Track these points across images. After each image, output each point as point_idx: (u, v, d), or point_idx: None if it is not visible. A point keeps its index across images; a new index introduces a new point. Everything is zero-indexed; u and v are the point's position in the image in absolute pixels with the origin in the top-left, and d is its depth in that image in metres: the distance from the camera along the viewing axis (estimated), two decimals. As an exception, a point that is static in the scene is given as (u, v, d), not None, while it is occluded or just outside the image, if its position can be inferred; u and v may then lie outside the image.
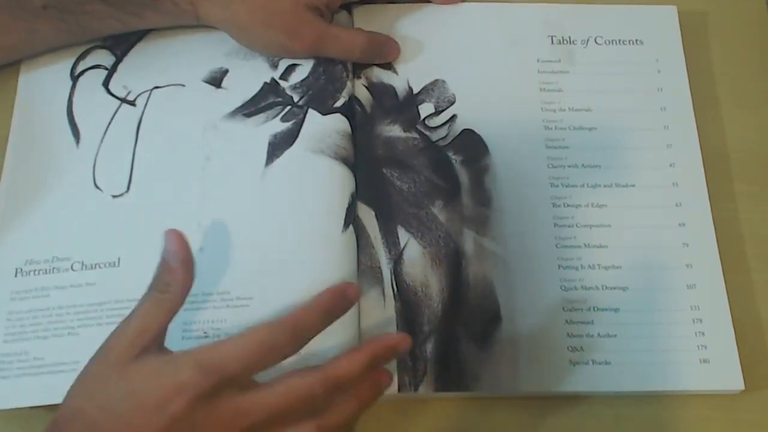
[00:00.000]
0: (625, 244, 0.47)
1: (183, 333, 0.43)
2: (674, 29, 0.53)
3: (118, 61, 0.51)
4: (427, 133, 0.50)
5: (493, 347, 0.44)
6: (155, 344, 0.37)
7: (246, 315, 0.43)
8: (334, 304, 0.38)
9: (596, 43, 0.53)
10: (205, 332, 0.43)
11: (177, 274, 0.37)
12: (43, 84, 0.51)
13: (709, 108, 0.52)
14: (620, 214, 0.48)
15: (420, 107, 0.50)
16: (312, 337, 0.37)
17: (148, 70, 0.51)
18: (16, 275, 0.45)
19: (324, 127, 0.48)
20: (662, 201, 0.48)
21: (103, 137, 0.49)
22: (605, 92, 0.51)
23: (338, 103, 0.49)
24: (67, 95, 0.50)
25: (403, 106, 0.50)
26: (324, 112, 0.49)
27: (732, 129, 0.52)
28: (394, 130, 0.50)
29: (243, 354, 0.35)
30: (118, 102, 0.50)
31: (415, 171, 0.49)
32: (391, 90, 0.51)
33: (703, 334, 0.45)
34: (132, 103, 0.50)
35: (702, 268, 0.47)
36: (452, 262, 0.46)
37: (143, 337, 0.36)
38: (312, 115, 0.49)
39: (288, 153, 0.48)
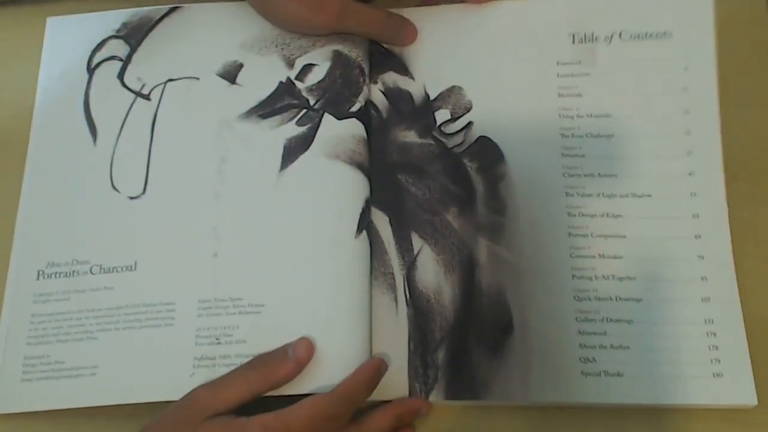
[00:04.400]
0: (639, 255, 0.46)
1: (196, 339, 0.44)
2: (707, 19, 0.48)
3: (132, 51, 0.51)
4: (443, 139, 0.49)
5: (505, 356, 0.44)
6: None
7: (258, 321, 0.44)
8: (373, 374, 0.42)
9: (620, 38, 0.50)
10: (217, 338, 0.43)
11: (288, 368, 0.41)
12: (63, 79, 0.51)
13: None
14: (636, 225, 0.47)
15: (436, 113, 0.50)
16: (359, 406, 0.42)
17: (162, 60, 0.51)
18: (38, 278, 0.46)
19: (339, 132, 0.48)
20: (679, 212, 0.47)
21: (118, 135, 0.49)
22: (626, 94, 0.49)
23: (354, 108, 0.49)
24: (84, 89, 0.51)
25: (419, 112, 0.50)
26: (340, 117, 0.49)
27: (732, 129, 0.49)
28: (410, 136, 0.49)
29: (306, 422, 0.38)
30: (133, 96, 0.50)
31: (430, 177, 0.48)
32: (407, 95, 0.50)
33: (717, 347, 0.44)
34: (147, 97, 0.50)
35: (717, 282, 0.46)
36: (465, 270, 0.46)
37: (228, 406, 0.39)
38: (328, 119, 0.48)
39: (303, 158, 0.48)
